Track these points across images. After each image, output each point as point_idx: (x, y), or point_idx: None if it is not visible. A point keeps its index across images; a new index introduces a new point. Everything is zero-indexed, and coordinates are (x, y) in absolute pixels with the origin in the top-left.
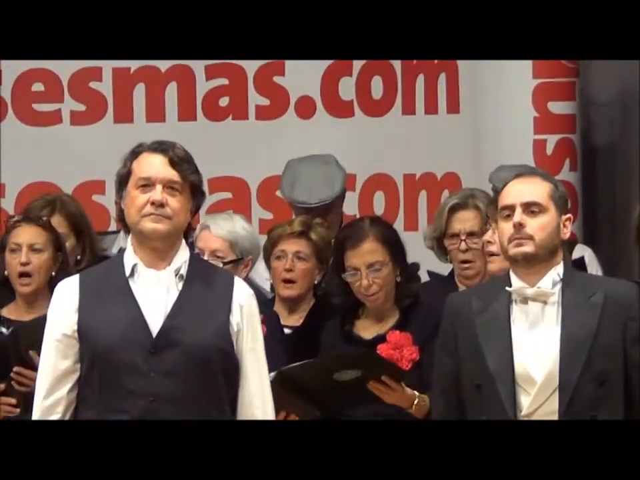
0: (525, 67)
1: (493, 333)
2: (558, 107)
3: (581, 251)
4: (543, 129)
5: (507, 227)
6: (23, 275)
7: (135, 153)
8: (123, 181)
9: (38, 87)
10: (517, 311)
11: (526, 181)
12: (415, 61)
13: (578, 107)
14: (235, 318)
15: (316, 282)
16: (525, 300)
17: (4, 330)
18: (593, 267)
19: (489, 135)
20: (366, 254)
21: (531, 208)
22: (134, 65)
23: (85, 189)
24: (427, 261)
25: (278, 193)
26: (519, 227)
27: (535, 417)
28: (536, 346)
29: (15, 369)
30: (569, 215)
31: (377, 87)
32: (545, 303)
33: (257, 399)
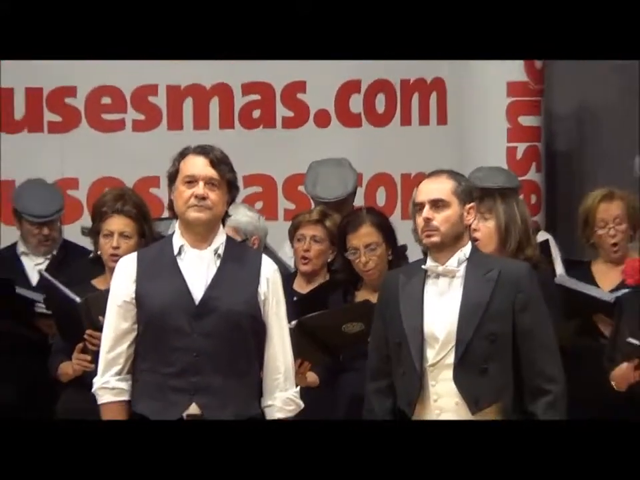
0: (500, 88)
1: (409, 301)
2: (526, 121)
3: (544, 236)
4: (514, 138)
5: (419, 220)
6: (113, 255)
7: (182, 155)
8: (172, 177)
9: (106, 100)
10: (429, 284)
11: (433, 180)
12: (411, 81)
13: (542, 121)
14: (262, 288)
15: (329, 260)
16: (437, 275)
17: (78, 299)
18: (555, 249)
19: (470, 142)
20: (363, 236)
21: (437, 204)
22: (184, 82)
23: (144, 183)
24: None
25: (300, 188)
26: (427, 221)
27: (438, 367)
28: (442, 311)
29: (87, 331)
30: (472, 204)
31: (380, 103)
32: (453, 277)
33: (280, 354)
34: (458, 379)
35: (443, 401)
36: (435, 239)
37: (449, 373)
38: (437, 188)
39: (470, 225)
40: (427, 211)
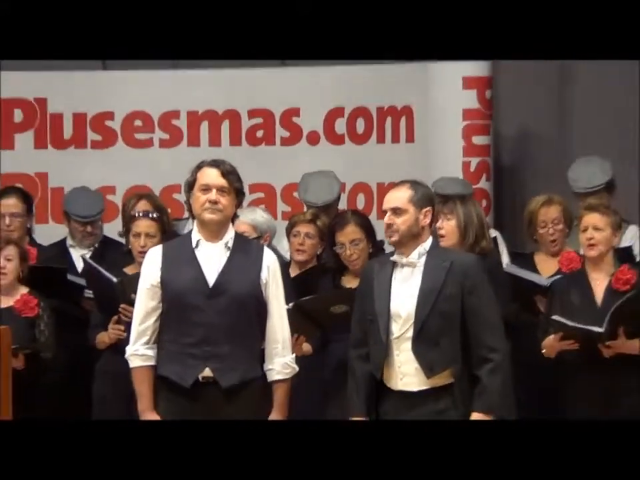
0: (457, 113)
1: (380, 286)
2: (478, 140)
3: (492, 233)
4: (468, 154)
5: (385, 224)
6: (141, 252)
7: (199, 167)
8: (190, 185)
9: (138, 122)
10: (396, 272)
11: (395, 191)
12: (385, 108)
13: (491, 140)
14: (263, 275)
15: (318, 252)
16: (402, 265)
17: (115, 279)
18: (502, 243)
19: (433, 157)
20: (349, 234)
21: (396, 211)
22: (201, 109)
23: (168, 190)
24: None
25: (294, 194)
26: (388, 225)
27: (401, 340)
28: (405, 294)
29: (122, 306)
30: (428, 209)
31: (360, 125)
32: (414, 267)
33: (278, 327)
34: (416, 349)
35: (405, 367)
36: (394, 238)
37: (409, 345)
38: (396, 197)
39: (430, 224)
40: (388, 217)
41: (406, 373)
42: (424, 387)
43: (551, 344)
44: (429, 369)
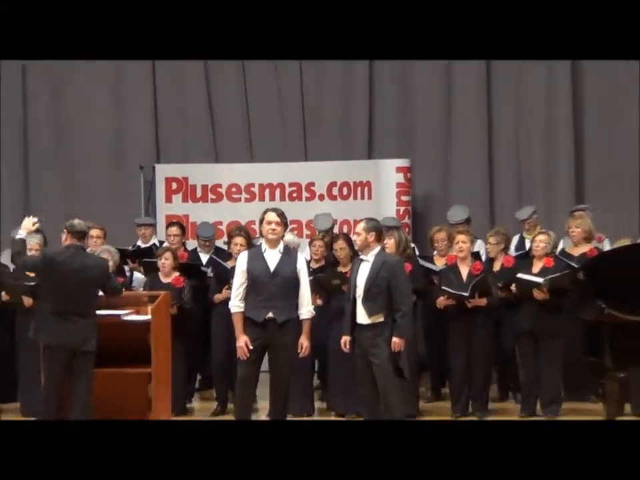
0: (392, 185)
1: (354, 271)
2: (404, 198)
3: (412, 245)
4: (399, 205)
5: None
6: (236, 253)
7: (265, 211)
8: (261, 221)
9: (233, 189)
10: (362, 265)
11: (358, 225)
12: (357, 182)
13: (411, 198)
14: (298, 266)
15: (325, 255)
16: (364, 261)
17: (229, 267)
18: (417, 251)
19: (382, 207)
20: (340, 244)
21: (357, 234)
22: (265, 182)
23: (249, 223)
24: None
25: (312, 225)
26: (356, 240)
27: (359, 297)
28: (363, 275)
29: (231, 281)
30: (372, 232)
31: (345, 191)
32: (368, 262)
33: (305, 292)
34: (363, 302)
35: (360, 311)
36: (358, 248)
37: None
38: (358, 227)
39: (377, 241)
40: (355, 236)
41: (362, 317)
42: (368, 322)
43: (440, 301)
44: (369, 312)
